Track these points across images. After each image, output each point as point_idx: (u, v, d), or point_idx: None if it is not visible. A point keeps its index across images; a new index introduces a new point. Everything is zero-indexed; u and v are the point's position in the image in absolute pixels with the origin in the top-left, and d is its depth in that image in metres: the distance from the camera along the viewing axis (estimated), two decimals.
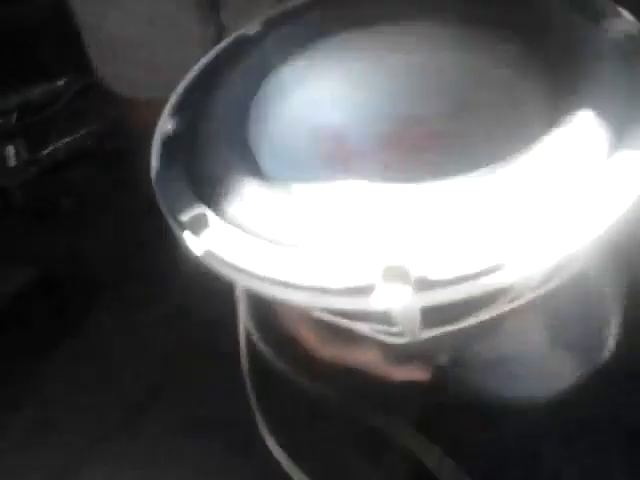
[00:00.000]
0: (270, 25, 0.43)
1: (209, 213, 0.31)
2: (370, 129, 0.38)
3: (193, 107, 0.38)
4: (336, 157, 0.37)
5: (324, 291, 0.27)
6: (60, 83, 0.76)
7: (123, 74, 0.56)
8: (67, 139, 0.75)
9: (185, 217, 0.32)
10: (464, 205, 0.28)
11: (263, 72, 0.40)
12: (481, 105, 0.38)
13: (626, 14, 0.35)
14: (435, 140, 0.37)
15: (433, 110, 0.38)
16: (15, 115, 0.74)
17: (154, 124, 0.38)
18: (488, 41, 0.38)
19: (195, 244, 0.31)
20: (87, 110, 0.75)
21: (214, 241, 0.30)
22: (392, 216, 0.29)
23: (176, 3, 0.53)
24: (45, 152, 0.73)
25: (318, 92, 0.40)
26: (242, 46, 0.42)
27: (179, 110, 0.39)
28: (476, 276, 0.26)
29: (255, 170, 0.33)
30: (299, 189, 0.32)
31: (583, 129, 0.30)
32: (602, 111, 0.30)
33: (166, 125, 0.38)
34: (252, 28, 0.44)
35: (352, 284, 0.27)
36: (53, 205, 0.71)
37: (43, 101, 0.75)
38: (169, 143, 0.37)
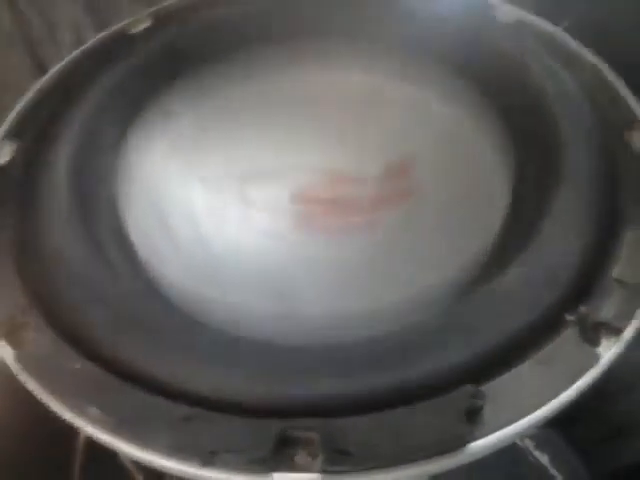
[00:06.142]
0: (161, 22, 0.33)
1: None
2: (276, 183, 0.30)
3: (38, 130, 0.29)
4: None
5: None
6: None
7: None
8: None
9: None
10: None
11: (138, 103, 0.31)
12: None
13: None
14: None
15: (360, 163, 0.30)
16: None
17: None
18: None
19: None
20: None
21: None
22: None
23: None
24: None
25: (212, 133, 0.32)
26: (120, 48, 0.32)
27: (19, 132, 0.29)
28: None
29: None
30: None
31: None
32: None
33: None
34: (138, 24, 0.33)
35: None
36: None
37: None
38: None
